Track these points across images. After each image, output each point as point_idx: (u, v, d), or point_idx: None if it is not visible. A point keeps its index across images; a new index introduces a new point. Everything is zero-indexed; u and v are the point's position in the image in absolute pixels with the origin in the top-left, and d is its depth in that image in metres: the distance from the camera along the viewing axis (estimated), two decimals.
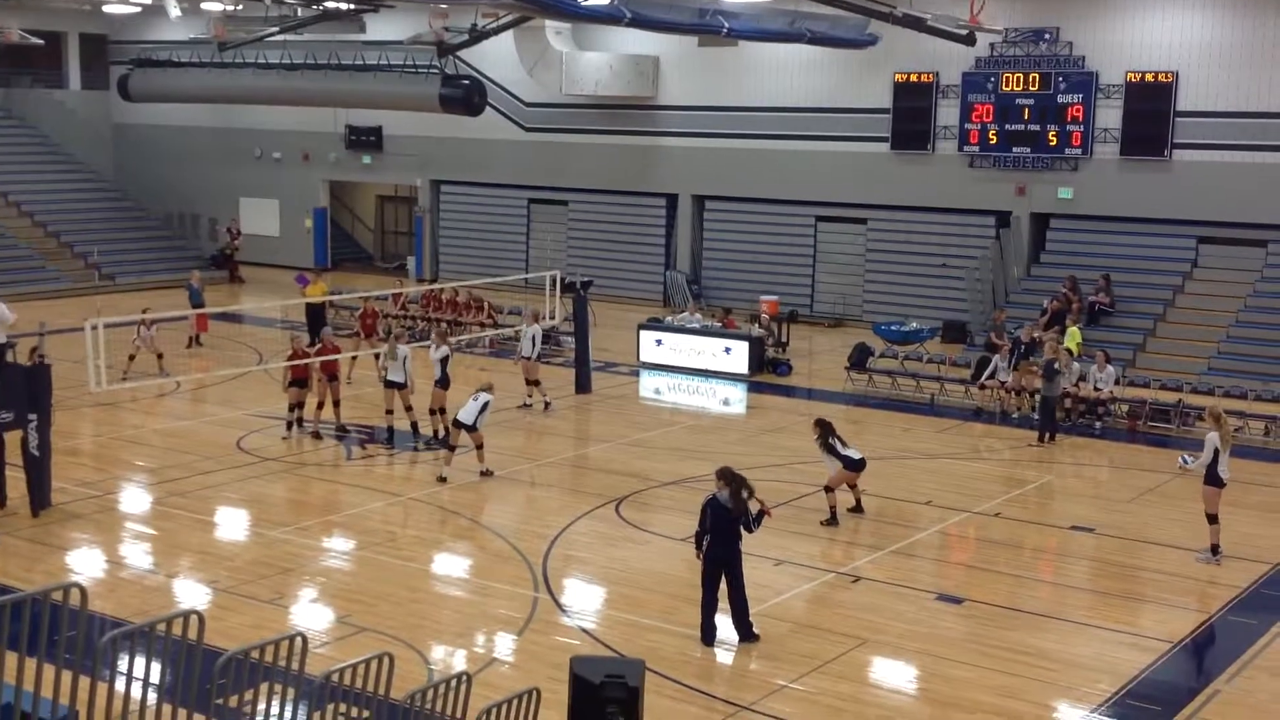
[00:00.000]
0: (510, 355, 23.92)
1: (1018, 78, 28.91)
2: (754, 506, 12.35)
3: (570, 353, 24.97)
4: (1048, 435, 20.65)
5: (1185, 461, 15.47)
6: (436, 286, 31.21)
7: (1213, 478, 14.85)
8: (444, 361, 19.62)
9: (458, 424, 17.72)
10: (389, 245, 43.11)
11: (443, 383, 19.68)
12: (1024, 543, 15.94)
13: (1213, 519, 14.98)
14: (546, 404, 22.05)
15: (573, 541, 15.39)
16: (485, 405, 17.70)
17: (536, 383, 22.22)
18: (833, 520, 15.99)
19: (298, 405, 19.98)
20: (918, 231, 30.81)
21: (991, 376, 22.53)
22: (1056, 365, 20.89)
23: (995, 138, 29.30)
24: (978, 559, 15.45)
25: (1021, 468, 19.55)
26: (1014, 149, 29.18)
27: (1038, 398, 21.13)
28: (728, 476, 12.25)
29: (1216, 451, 14.76)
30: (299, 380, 19.83)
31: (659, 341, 26.22)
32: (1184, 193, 27.41)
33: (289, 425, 19.97)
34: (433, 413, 19.87)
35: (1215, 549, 14.99)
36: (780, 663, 11.99)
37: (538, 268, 32.09)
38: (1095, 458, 20.17)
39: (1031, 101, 28.80)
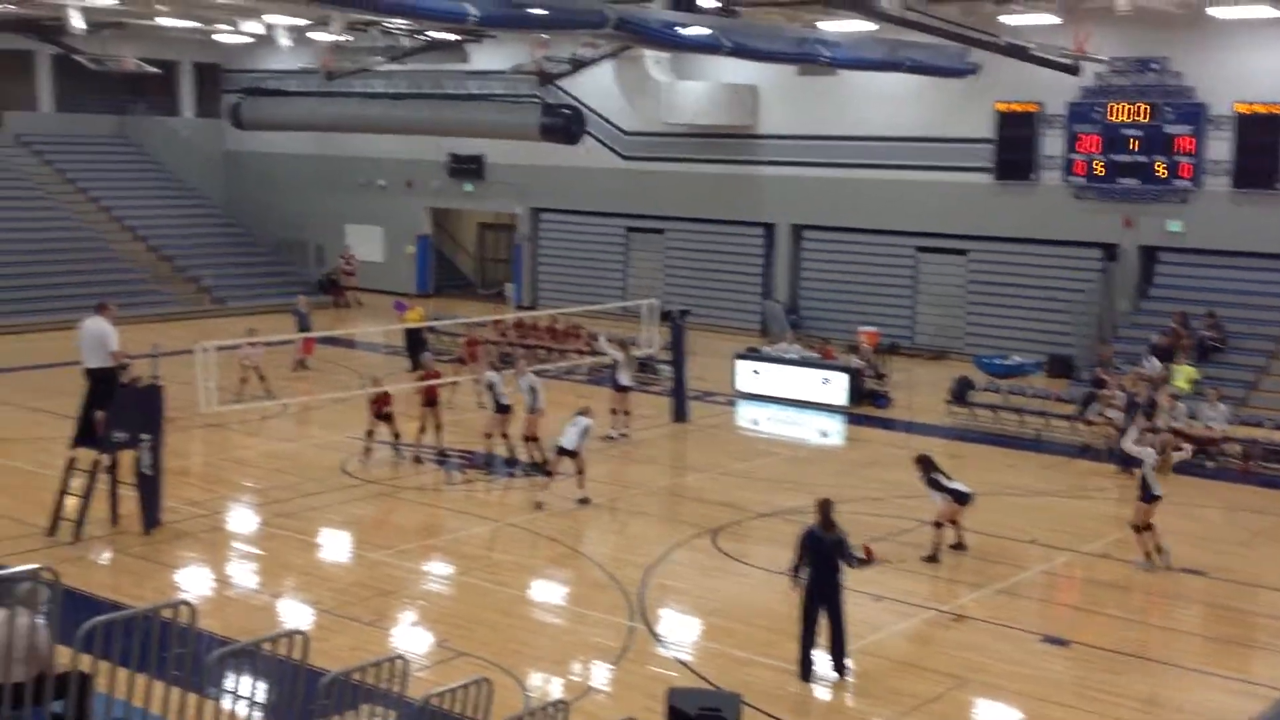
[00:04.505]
0: (606, 383, 23.94)
1: (1125, 108, 28.41)
2: (859, 552, 12.28)
3: (667, 382, 24.97)
4: (1129, 468, 20.33)
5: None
6: (532, 314, 31.42)
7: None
8: (534, 390, 19.75)
9: (560, 450, 17.82)
10: (489, 272, 43.53)
11: (534, 409, 19.80)
12: (1132, 585, 15.54)
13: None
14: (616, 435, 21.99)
15: (669, 571, 15.35)
16: (585, 429, 17.82)
17: (626, 411, 22.32)
18: (934, 557, 15.74)
19: (390, 432, 20.21)
20: (1021, 263, 30.35)
21: (1099, 413, 22.07)
22: (1136, 398, 20.62)
23: (1102, 168, 28.80)
24: (1084, 600, 15.11)
25: (1129, 507, 19.05)
26: (1121, 180, 28.65)
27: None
28: (819, 510, 12.19)
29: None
30: (386, 415, 20.07)
31: (756, 371, 26.12)
32: None
33: (367, 450, 20.07)
34: (527, 440, 19.98)
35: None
36: (878, 700, 11.81)
37: (635, 296, 32.19)
38: (1206, 498, 19.62)
39: (1139, 132, 28.27)
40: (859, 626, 12.90)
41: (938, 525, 15.86)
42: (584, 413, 18.10)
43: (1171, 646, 13.51)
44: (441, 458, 20.36)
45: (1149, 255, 29.10)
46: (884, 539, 16.11)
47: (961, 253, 31.37)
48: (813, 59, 25.64)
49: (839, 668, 12.21)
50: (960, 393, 24.25)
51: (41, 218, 37.37)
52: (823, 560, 12.04)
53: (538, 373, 22.03)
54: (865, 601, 13.98)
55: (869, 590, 14.31)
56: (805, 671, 12.16)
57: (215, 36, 38.02)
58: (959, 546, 16.10)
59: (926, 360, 30.54)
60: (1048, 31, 25.92)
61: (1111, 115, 28.57)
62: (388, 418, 20.13)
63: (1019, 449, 22.22)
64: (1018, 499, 18.97)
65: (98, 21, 31.52)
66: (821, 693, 12.05)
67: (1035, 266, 30.12)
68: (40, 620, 7.10)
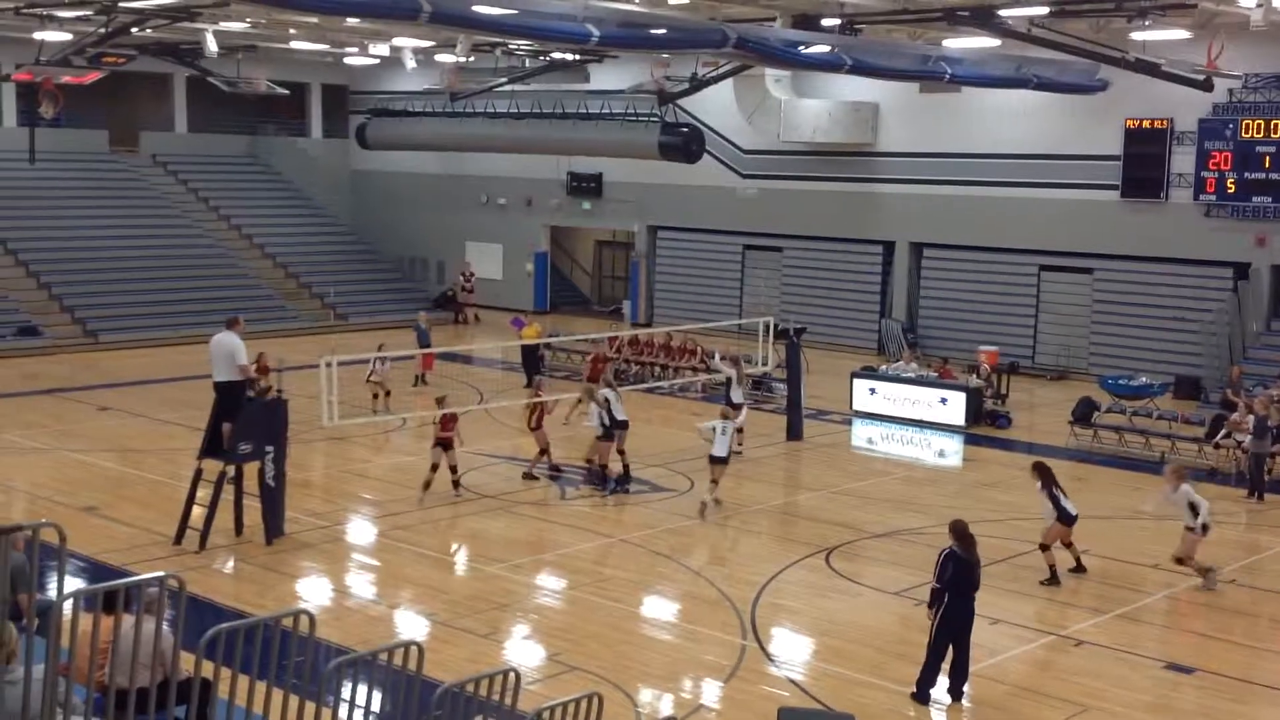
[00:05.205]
0: (720, 400, 23.89)
1: (1258, 124, 27.59)
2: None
3: (783, 399, 24.86)
4: (1258, 493, 19.86)
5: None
6: (647, 330, 31.49)
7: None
8: (604, 426, 19.66)
9: (715, 460, 18.46)
10: (606, 289, 43.85)
11: (605, 436, 19.77)
12: (1261, 612, 15.05)
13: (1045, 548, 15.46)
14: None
15: (781, 590, 15.26)
16: (730, 433, 18.76)
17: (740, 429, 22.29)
18: (1053, 580, 15.43)
19: (446, 466, 18.99)
20: (1148, 282, 29.63)
21: (1227, 436, 21.44)
22: (1269, 421, 20.14)
23: (1233, 186, 28.00)
24: (1210, 627, 14.64)
25: (1257, 533, 18.49)
26: (1254, 198, 27.82)
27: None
28: (958, 532, 12.01)
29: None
30: (445, 441, 18.88)
31: (873, 390, 25.86)
32: None
33: (426, 485, 18.85)
34: (589, 462, 20.06)
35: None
36: None
37: (752, 314, 32.11)
38: None
39: (1273, 149, 27.42)
40: (975, 650, 12.66)
41: (1043, 548, 15.57)
42: (724, 416, 18.87)
43: None
44: (555, 473, 20.52)
45: None
46: (1001, 562, 15.85)
47: (1087, 271, 30.73)
48: (936, 76, 25.27)
49: (957, 693, 12.01)
50: (1084, 413, 23.72)
51: (175, 235, 38.60)
52: (965, 583, 11.86)
53: (649, 389, 22.08)
54: (982, 625, 13.68)
55: (986, 614, 14.00)
56: (923, 695, 11.98)
57: (344, 59, 38.96)
58: (1078, 569, 15.76)
59: (1048, 380, 29.94)
60: (1179, 47, 25.28)
61: (1244, 132, 27.77)
62: (447, 445, 18.96)
63: (1144, 471, 21.64)
64: (1141, 522, 18.48)
65: (231, 45, 32.53)
66: (938, 717, 11.87)
67: (1163, 285, 29.39)
68: (165, 627, 7.34)
